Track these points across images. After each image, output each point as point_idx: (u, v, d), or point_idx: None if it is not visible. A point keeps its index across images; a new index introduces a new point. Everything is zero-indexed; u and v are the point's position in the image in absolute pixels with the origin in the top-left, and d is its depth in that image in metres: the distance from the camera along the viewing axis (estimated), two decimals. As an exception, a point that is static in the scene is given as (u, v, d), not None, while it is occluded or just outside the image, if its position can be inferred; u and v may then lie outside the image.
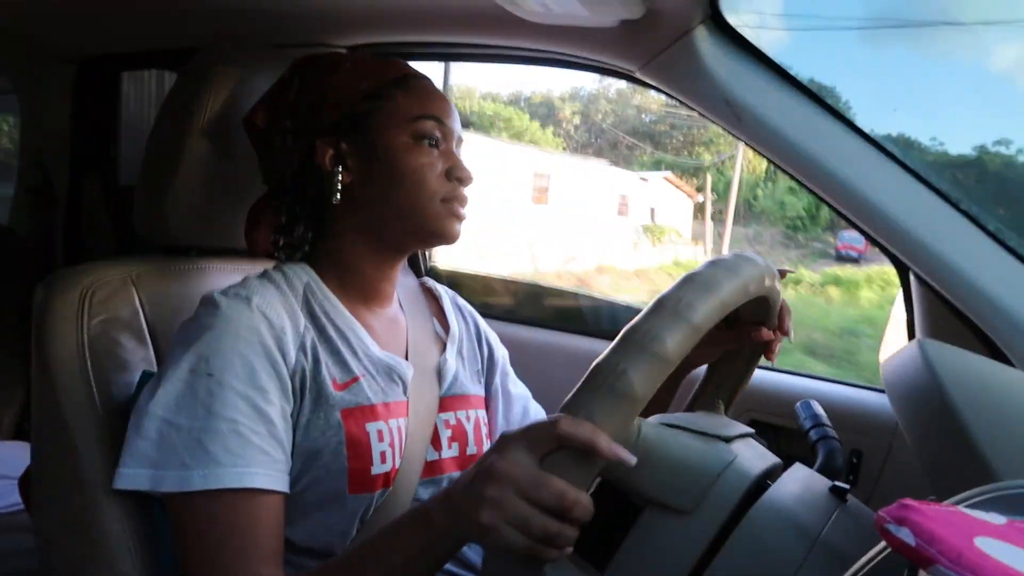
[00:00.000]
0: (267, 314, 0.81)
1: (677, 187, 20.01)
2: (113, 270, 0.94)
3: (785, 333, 0.90)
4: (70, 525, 0.85)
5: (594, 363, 0.62)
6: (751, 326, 0.90)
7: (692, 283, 0.65)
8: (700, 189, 20.76)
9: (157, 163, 0.98)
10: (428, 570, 0.68)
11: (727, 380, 0.95)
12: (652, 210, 17.99)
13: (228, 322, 0.79)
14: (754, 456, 0.71)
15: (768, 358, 0.92)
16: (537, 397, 1.12)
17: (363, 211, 0.89)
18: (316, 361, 0.83)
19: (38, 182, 1.89)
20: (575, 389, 0.62)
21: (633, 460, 0.62)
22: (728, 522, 0.64)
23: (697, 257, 16.17)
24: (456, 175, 0.89)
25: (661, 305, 0.63)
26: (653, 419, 0.72)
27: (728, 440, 0.70)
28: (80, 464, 0.84)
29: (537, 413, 1.09)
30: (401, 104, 0.88)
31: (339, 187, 0.88)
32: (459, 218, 0.90)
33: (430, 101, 0.90)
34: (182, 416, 0.75)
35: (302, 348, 0.83)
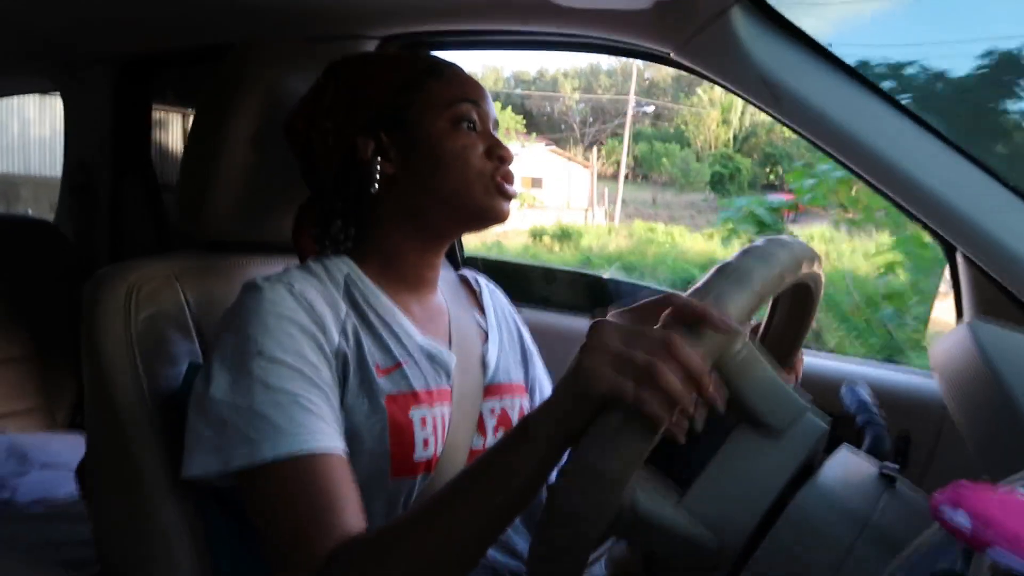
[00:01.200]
0: (308, 298, 0.82)
1: (565, 157, 23.57)
2: (157, 266, 0.96)
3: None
4: (125, 516, 0.88)
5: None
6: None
7: (725, 275, 0.64)
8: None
9: (196, 160, 1.00)
10: (530, 492, 0.66)
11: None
12: (533, 180, 20.76)
13: (272, 304, 0.80)
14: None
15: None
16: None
17: (407, 199, 0.90)
18: (359, 346, 0.84)
19: (82, 182, 1.93)
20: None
21: (740, 330, 0.61)
22: (815, 450, 0.65)
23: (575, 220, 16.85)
24: (498, 153, 0.90)
25: (722, 271, 0.64)
26: None
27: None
28: (133, 456, 0.86)
29: None
30: (435, 91, 0.89)
31: (378, 176, 0.89)
32: (506, 196, 0.90)
33: (463, 85, 0.91)
34: (239, 396, 0.76)
35: (344, 333, 0.84)
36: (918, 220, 1.02)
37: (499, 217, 0.90)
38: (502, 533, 0.68)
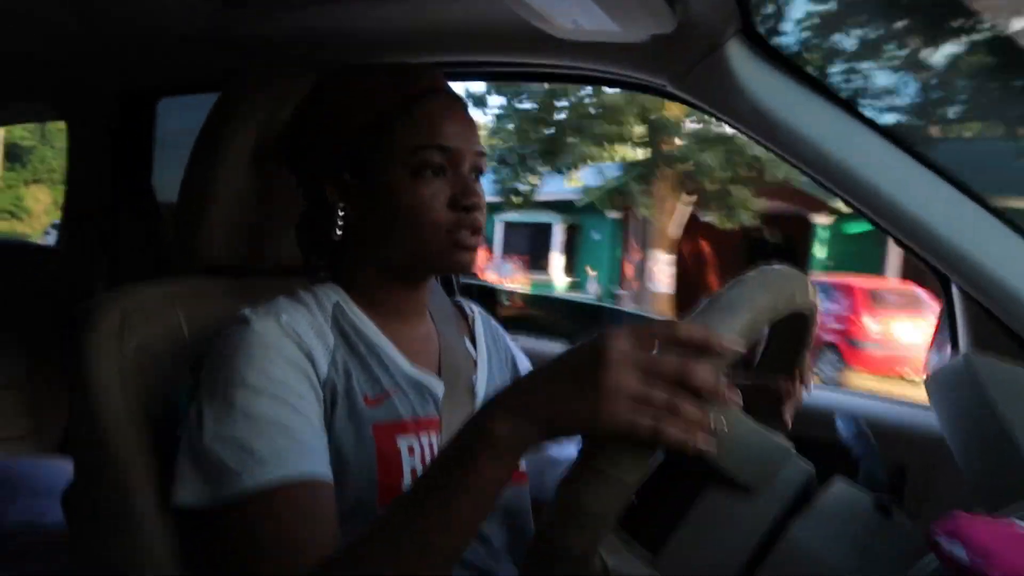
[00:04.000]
0: (296, 330, 0.82)
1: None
2: (152, 291, 0.95)
3: (805, 382, 0.87)
4: (113, 544, 0.86)
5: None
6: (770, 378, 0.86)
7: (716, 307, 0.63)
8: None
9: (196, 186, 1.00)
10: (491, 502, 0.65)
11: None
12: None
13: (258, 336, 0.80)
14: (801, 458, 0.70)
15: (782, 423, 0.89)
16: None
17: (371, 243, 0.89)
18: (347, 376, 0.84)
19: (83, 209, 1.94)
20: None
21: (742, 345, 0.60)
22: (788, 510, 0.63)
23: None
24: (462, 204, 0.85)
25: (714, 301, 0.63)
26: None
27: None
28: (123, 484, 0.85)
29: None
30: (400, 137, 0.85)
31: (339, 223, 0.88)
32: (467, 248, 0.87)
33: (433, 128, 0.85)
34: (224, 427, 0.76)
35: (333, 363, 0.84)
36: (913, 252, 1.03)
37: (458, 271, 0.89)
38: (474, 532, 0.67)
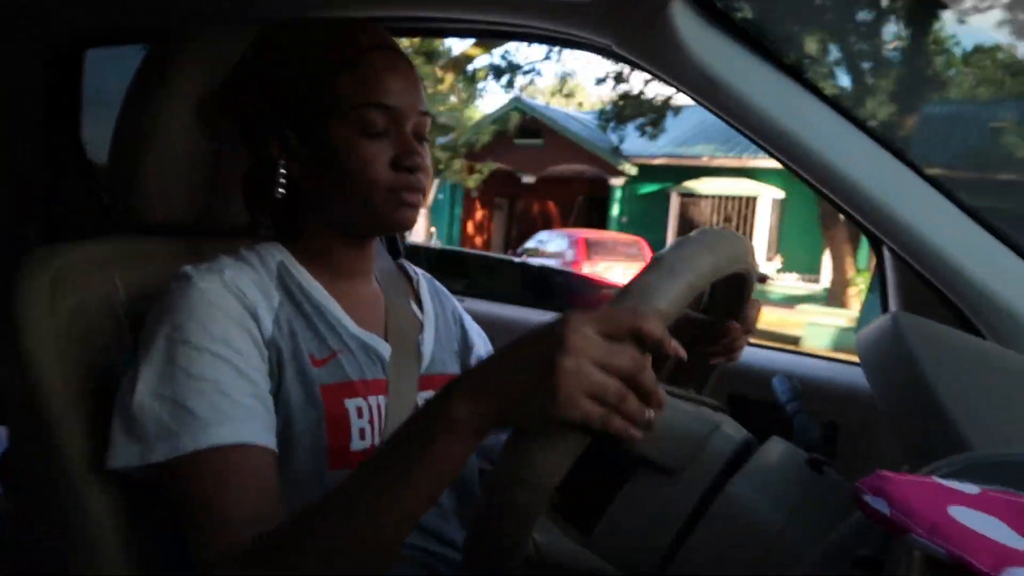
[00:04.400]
0: (239, 288, 0.81)
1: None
2: (86, 251, 0.92)
3: (748, 329, 0.91)
4: (50, 509, 0.85)
5: None
6: (718, 319, 0.89)
7: (659, 267, 0.65)
8: None
9: (128, 141, 0.97)
10: (445, 482, 0.64)
11: (696, 366, 0.94)
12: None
13: (201, 293, 0.78)
14: (735, 425, 0.73)
15: (730, 357, 0.92)
16: None
17: (315, 200, 0.88)
18: (293, 336, 0.83)
19: (12, 165, 1.86)
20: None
21: (685, 354, 0.62)
22: (713, 484, 0.66)
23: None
24: (404, 164, 0.84)
25: (627, 292, 0.63)
26: None
27: (714, 408, 0.71)
28: (59, 449, 0.83)
29: None
30: (343, 92, 0.83)
31: (282, 181, 0.87)
32: (407, 205, 0.86)
33: (377, 85, 0.84)
34: (164, 386, 0.74)
35: (277, 322, 0.83)
36: (848, 215, 1.05)
37: (400, 228, 0.88)
38: (424, 511, 0.66)
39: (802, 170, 1.05)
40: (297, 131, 0.86)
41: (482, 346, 1.10)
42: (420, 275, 1.08)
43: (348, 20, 0.91)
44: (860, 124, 1.04)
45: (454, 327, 1.07)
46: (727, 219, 13.33)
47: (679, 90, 1.11)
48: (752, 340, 0.96)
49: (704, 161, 13.63)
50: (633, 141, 13.57)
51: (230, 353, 0.77)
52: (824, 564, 0.54)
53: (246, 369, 0.78)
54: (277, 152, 0.87)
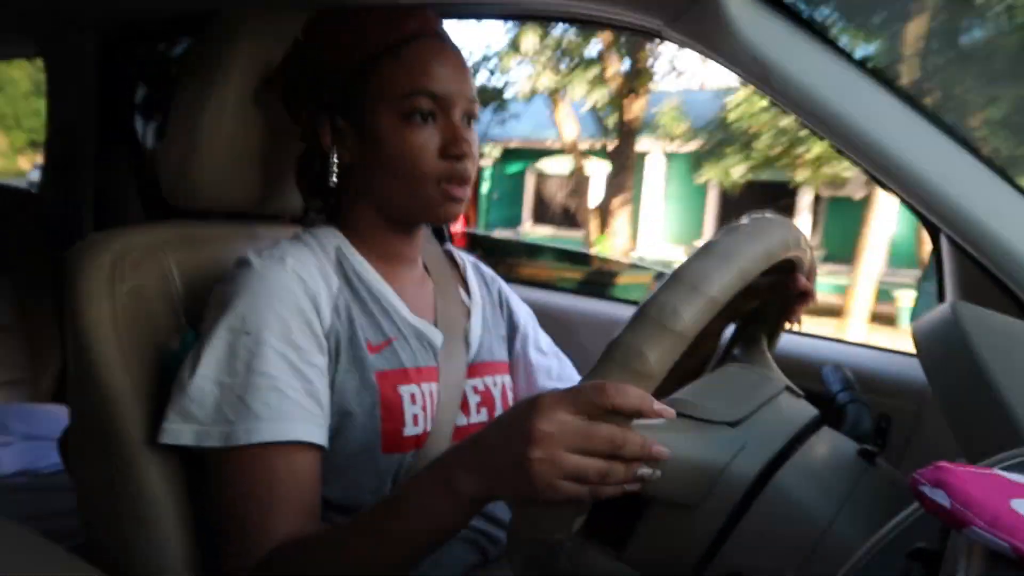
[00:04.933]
0: (301, 275, 0.82)
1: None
2: (142, 236, 0.95)
3: (810, 294, 0.87)
4: (108, 485, 0.87)
5: (611, 341, 0.62)
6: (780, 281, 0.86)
7: (710, 253, 0.64)
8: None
9: (181, 128, 0.98)
10: (449, 534, 0.70)
11: (768, 318, 0.90)
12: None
13: (263, 281, 0.80)
14: (768, 435, 0.69)
15: (791, 321, 0.89)
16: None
17: (365, 187, 0.89)
18: (351, 322, 0.84)
19: (66, 150, 1.91)
20: (594, 366, 0.62)
21: (674, 414, 0.61)
22: (735, 512, 0.64)
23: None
24: (452, 152, 0.84)
25: (677, 278, 0.62)
26: (668, 399, 0.70)
27: (736, 423, 0.68)
28: (115, 425, 0.85)
29: (569, 379, 1.09)
30: (390, 79, 0.84)
31: (335, 168, 0.87)
32: (455, 200, 0.86)
33: (424, 72, 0.83)
34: (224, 374, 0.77)
35: (336, 310, 0.84)
36: (904, 201, 1.03)
37: (444, 222, 0.89)
38: (423, 558, 0.70)
39: (856, 155, 1.03)
40: (346, 118, 0.87)
41: (530, 327, 1.10)
42: (467, 260, 1.08)
43: (396, 6, 0.91)
44: (919, 106, 1.01)
45: (501, 311, 1.07)
46: (572, 192, 13.53)
47: (730, 71, 1.09)
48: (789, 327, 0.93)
49: (549, 144, 14.40)
50: (504, 126, 14.10)
51: (288, 349, 0.78)
52: (877, 557, 0.53)
53: (301, 365, 0.79)
54: (328, 139, 0.88)
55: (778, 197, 10.30)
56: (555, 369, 1.08)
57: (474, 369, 0.95)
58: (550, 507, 0.61)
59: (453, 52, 0.87)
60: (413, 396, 0.85)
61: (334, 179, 0.87)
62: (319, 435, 0.79)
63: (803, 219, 11.64)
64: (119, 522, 0.87)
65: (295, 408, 0.77)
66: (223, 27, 1.00)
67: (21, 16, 1.82)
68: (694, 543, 0.64)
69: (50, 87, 1.93)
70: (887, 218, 7.61)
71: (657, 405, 0.60)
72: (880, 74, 1.01)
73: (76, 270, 0.89)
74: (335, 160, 0.87)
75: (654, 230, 13.40)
